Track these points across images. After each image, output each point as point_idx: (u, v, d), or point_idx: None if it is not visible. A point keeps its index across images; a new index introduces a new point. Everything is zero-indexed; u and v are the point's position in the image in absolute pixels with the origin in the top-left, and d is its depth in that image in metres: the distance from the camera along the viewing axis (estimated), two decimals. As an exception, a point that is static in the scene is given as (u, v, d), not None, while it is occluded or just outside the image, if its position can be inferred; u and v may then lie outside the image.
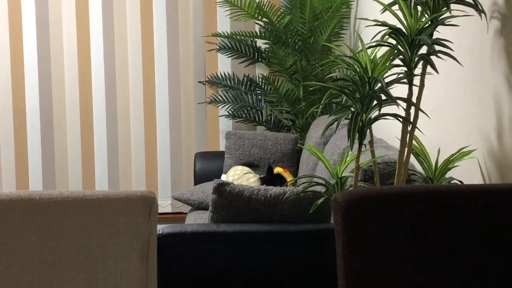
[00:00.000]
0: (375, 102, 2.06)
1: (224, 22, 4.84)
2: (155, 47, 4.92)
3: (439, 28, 2.12)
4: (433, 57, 2.04)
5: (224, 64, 4.87)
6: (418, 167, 2.53)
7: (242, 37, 4.69)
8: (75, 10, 4.86)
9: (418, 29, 2.01)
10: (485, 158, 2.19)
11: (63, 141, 4.95)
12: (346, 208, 1.59)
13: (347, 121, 2.17)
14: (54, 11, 4.85)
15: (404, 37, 2.03)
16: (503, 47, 2.04)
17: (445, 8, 2.04)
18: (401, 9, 2.04)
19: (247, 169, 3.89)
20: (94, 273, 1.76)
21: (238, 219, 2.58)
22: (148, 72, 4.93)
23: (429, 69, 2.12)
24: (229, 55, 4.79)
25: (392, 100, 2.03)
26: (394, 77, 2.11)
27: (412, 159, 2.55)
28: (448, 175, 2.24)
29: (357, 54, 2.08)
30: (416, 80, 2.15)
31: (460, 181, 2.23)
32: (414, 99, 2.13)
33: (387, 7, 2.10)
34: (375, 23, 2.07)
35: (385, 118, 2.09)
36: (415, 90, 2.15)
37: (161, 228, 2.50)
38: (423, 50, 2.07)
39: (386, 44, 2.06)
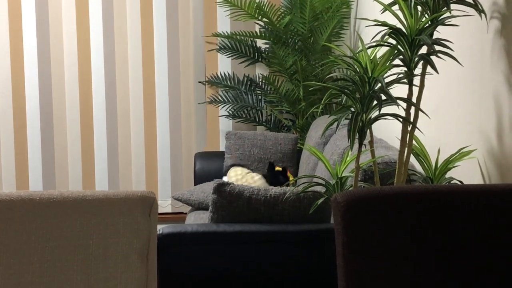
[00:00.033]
0: (375, 102, 2.06)
1: (224, 22, 4.84)
2: (155, 47, 4.92)
3: (439, 28, 2.12)
4: (433, 57, 2.04)
5: (224, 64, 4.87)
6: (418, 167, 2.53)
7: (242, 37, 4.69)
8: (75, 9, 4.86)
9: (418, 29, 2.01)
10: (485, 158, 2.19)
11: (63, 140, 4.96)
12: (346, 208, 1.59)
13: (347, 121, 2.17)
14: (54, 11, 4.85)
15: (404, 37, 2.03)
16: (503, 47, 2.04)
17: (445, 8, 2.04)
18: (401, 9, 2.04)
19: (246, 169, 3.89)
20: (94, 273, 1.76)
21: (238, 219, 2.58)
22: (148, 72, 4.93)
23: (429, 69, 2.12)
24: (229, 55, 4.79)
25: (392, 100, 2.03)
26: (394, 77, 2.11)
27: (412, 159, 2.55)
28: (448, 175, 2.24)
29: (357, 54, 2.08)
30: (416, 80, 2.15)
31: (460, 181, 2.23)
32: (414, 99, 2.13)
33: (387, 7, 2.10)
34: (375, 23, 2.07)
35: (385, 118, 2.09)
36: (415, 90, 2.15)
37: (161, 228, 2.50)
38: (423, 50, 2.07)
39: (386, 44, 2.06)
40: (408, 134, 2.13)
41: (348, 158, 2.33)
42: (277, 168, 3.83)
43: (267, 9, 4.47)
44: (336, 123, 2.10)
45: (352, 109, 2.10)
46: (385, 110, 2.09)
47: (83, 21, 4.87)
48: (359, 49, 2.10)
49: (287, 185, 3.58)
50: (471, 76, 2.29)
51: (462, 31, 2.31)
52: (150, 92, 4.95)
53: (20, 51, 4.87)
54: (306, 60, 4.47)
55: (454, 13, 2.08)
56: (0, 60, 4.85)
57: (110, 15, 4.88)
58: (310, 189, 2.45)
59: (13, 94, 4.88)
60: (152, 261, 1.82)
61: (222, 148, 4.86)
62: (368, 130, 2.15)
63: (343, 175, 2.31)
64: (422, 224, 1.62)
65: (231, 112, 4.78)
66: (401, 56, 2.06)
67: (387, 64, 2.06)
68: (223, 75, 4.82)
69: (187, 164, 4.99)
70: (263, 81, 4.74)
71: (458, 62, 2.07)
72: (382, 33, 2.04)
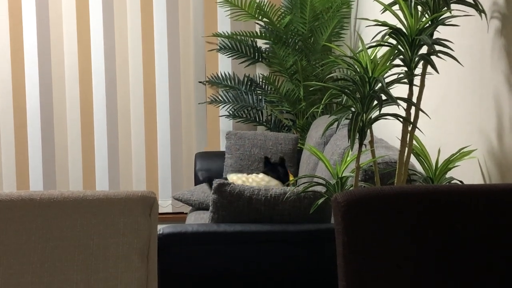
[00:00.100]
0: (375, 102, 2.06)
1: (224, 22, 4.83)
2: (156, 47, 4.92)
3: (439, 28, 2.12)
4: (433, 57, 2.04)
5: (225, 64, 4.87)
6: (419, 167, 2.53)
7: (243, 37, 4.69)
8: (75, 9, 4.86)
9: (418, 29, 2.01)
10: (485, 158, 2.19)
11: (64, 140, 4.96)
12: (346, 208, 1.59)
13: (347, 121, 2.17)
14: (54, 10, 4.85)
15: (404, 37, 2.03)
16: (503, 47, 2.04)
17: (445, 8, 2.04)
18: (401, 9, 2.04)
19: (267, 177, 3.77)
20: (94, 273, 1.76)
21: (238, 219, 2.58)
22: (148, 72, 4.93)
23: (429, 69, 2.12)
24: (230, 55, 4.79)
25: (392, 100, 2.03)
26: (395, 77, 2.11)
27: (413, 159, 2.55)
28: (448, 175, 2.24)
29: (358, 54, 2.08)
30: (417, 80, 2.15)
31: (460, 181, 2.23)
32: (414, 99, 2.13)
33: (387, 7, 2.10)
34: (376, 23, 2.07)
35: (386, 118, 2.09)
36: (415, 90, 2.15)
37: (161, 228, 2.50)
38: (423, 50, 2.07)
39: (386, 44, 2.06)
40: (409, 134, 2.13)
41: (348, 158, 2.33)
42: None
43: (268, 9, 4.47)
44: (336, 123, 2.10)
45: (353, 109, 2.10)
46: (385, 110, 2.09)
47: (84, 21, 4.87)
48: (360, 49, 2.10)
49: (288, 182, 3.58)
50: (471, 76, 2.28)
51: (462, 31, 2.31)
52: (150, 92, 4.94)
53: (21, 50, 4.87)
54: (306, 60, 4.47)
55: (454, 13, 2.08)
56: (0, 59, 4.85)
57: (110, 14, 4.88)
58: (310, 189, 2.45)
59: (14, 94, 4.88)
60: (153, 261, 1.82)
61: (222, 148, 4.86)
62: (369, 130, 2.15)
63: (343, 175, 2.31)
64: (423, 224, 1.62)
65: (231, 112, 4.78)
66: (401, 56, 2.06)
67: (388, 64, 2.06)
68: (223, 75, 4.82)
69: (187, 164, 4.98)
70: (264, 81, 4.74)
71: (459, 62, 2.07)
72: (382, 33, 2.04)
